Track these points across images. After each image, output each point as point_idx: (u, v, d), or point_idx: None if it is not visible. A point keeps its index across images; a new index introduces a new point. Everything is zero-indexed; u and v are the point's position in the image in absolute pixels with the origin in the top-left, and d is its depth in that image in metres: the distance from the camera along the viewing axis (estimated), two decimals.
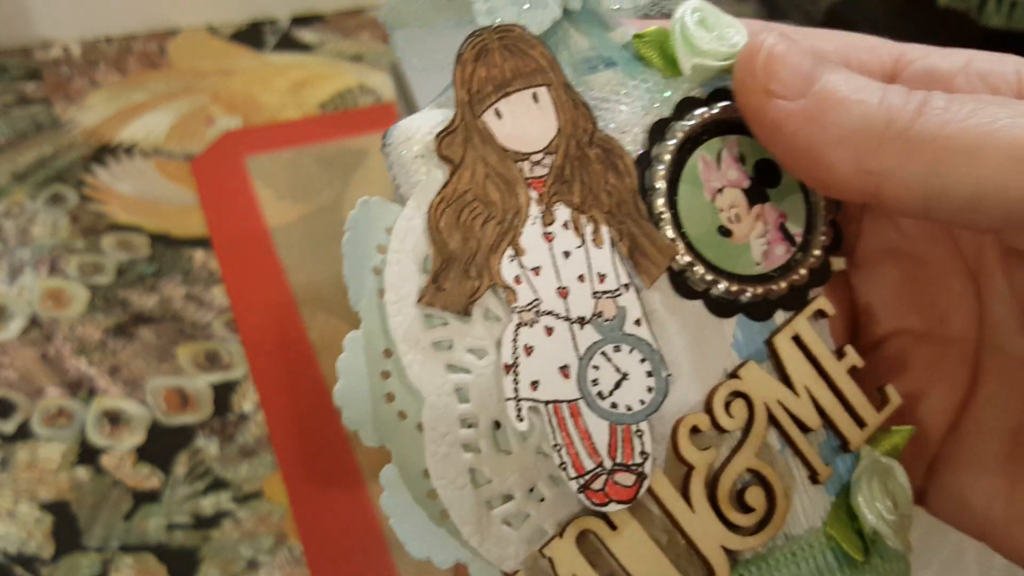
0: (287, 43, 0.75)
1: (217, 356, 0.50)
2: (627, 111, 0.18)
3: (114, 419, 0.47)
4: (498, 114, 0.17)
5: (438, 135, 0.17)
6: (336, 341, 0.48)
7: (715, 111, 0.18)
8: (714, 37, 0.17)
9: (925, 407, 0.20)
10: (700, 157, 0.18)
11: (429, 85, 0.20)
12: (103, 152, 0.63)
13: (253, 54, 0.73)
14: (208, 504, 0.43)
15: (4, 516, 0.43)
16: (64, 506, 0.43)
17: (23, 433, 0.46)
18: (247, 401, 0.48)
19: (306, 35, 0.75)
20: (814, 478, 0.18)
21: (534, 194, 0.17)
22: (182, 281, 0.54)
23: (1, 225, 0.57)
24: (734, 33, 0.18)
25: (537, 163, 0.17)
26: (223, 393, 0.48)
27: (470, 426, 0.17)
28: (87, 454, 0.45)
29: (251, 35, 0.75)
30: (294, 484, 0.44)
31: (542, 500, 0.17)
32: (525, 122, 0.17)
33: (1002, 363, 0.19)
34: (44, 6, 0.72)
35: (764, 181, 0.18)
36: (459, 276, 0.16)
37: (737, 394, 0.18)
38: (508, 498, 0.17)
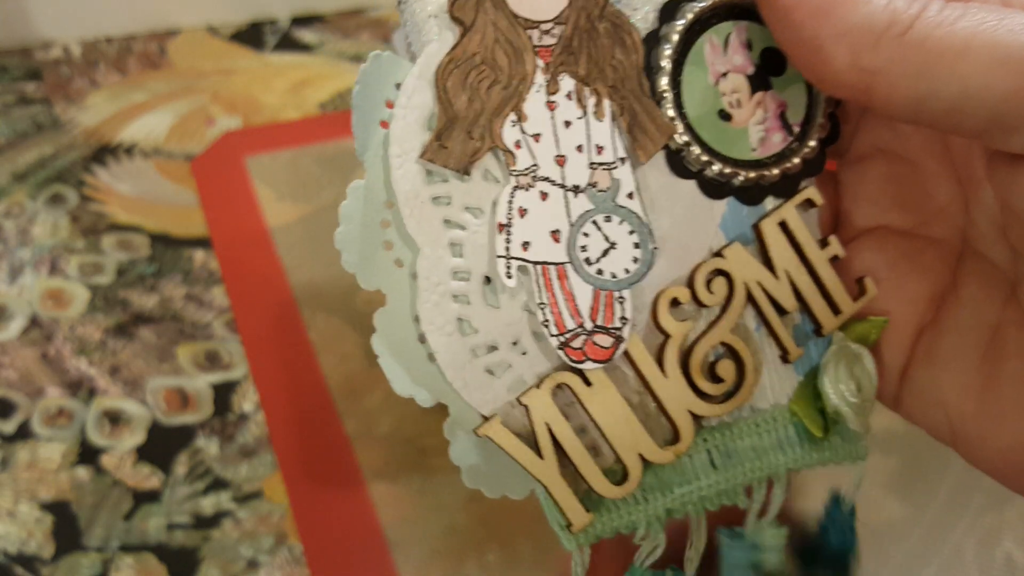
0: (287, 43, 0.75)
1: (217, 356, 0.50)
2: None
3: (114, 419, 0.47)
4: None
5: None
6: (336, 341, 0.48)
7: None
8: None
9: (901, 298, 0.20)
10: (708, 40, 0.18)
11: None
12: (103, 152, 0.63)
13: (253, 54, 0.73)
14: (208, 504, 0.43)
15: (4, 516, 0.43)
16: (64, 506, 0.43)
17: (23, 433, 0.46)
18: (247, 401, 0.48)
19: (306, 35, 0.75)
20: (785, 357, 0.19)
21: (541, 62, 0.17)
22: (182, 281, 0.54)
23: (1, 225, 0.57)
24: None
25: (546, 32, 0.17)
26: (223, 393, 0.48)
27: (462, 279, 0.17)
28: (87, 454, 0.45)
29: (251, 35, 0.75)
30: (294, 484, 0.44)
31: (524, 353, 0.18)
32: None
33: (982, 268, 0.20)
34: (44, 6, 0.72)
35: (769, 69, 0.18)
36: (462, 136, 0.17)
37: (719, 272, 0.18)
38: (492, 348, 0.18)
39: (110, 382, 0.48)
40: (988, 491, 0.45)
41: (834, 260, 0.19)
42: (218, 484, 0.44)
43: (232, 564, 0.41)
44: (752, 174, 0.19)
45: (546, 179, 0.17)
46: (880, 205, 0.21)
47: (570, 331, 0.18)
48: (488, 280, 0.18)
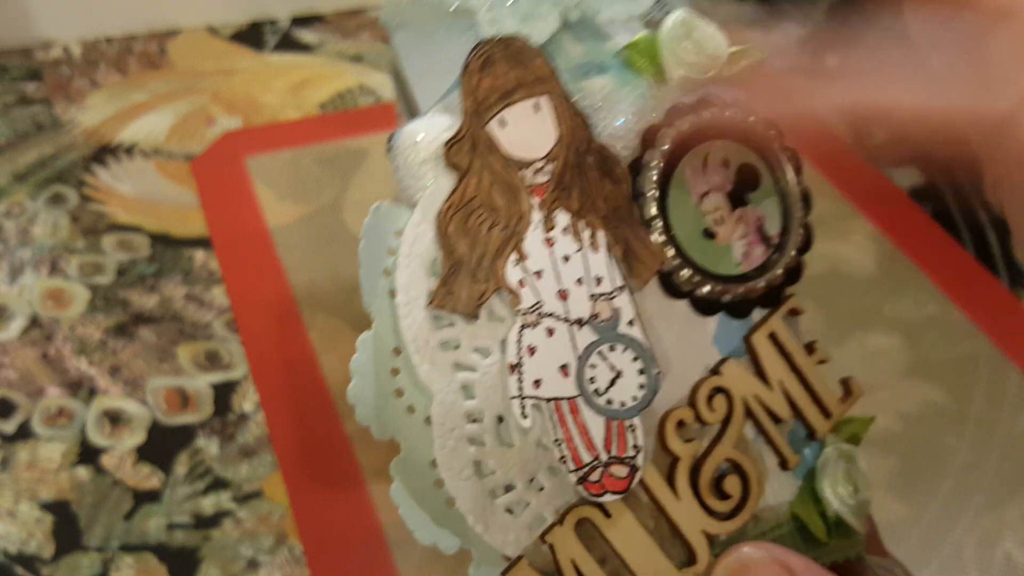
0: (287, 43, 0.75)
1: (217, 356, 0.50)
2: (620, 117, 0.19)
3: (114, 419, 0.47)
4: (502, 123, 0.18)
5: (446, 143, 0.17)
6: (337, 341, 0.48)
7: (702, 117, 0.19)
8: (698, 48, 0.18)
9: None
10: (688, 162, 0.19)
11: (429, 87, 0.20)
12: (103, 152, 0.63)
13: (253, 54, 0.73)
14: (208, 504, 0.43)
15: (4, 516, 0.43)
16: (64, 506, 0.43)
17: (23, 433, 0.46)
18: (247, 401, 0.48)
19: (306, 35, 0.75)
20: (784, 465, 0.20)
21: (536, 200, 0.18)
22: (182, 281, 0.54)
23: (1, 225, 0.57)
24: (717, 44, 0.19)
25: (539, 170, 0.18)
26: (223, 393, 0.48)
27: (475, 421, 0.18)
28: (87, 454, 0.45)
29: (251, 35, 0.75)
30: (294, 484, 0.44)
31: (541, 489, 0.18)
32: (527, 130, 0.18)
33: None
34: (44, 7, 0.72)
35: (745, 185, 0.19)
36: (467, 280, 0.17)
37: (718, 389, 0.19)
38: (510, 488, 0.18)
39: (110, 382, 0.49)
40: (988, 491, 0.45)
41: (821, 364, 0.20)
42: (218, 484, 0.44)
43: (232, 564, 0.41)
44: (740, 289, 0.19)
45: (551, 315, 0.18)
46: None
47: (587, 465, 0.18)
48: (501, 419, 0.18)
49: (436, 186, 0.18)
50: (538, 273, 0.18)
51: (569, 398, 0.18)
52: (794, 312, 0.20)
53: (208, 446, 0.46)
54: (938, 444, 0.47)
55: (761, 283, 0.20)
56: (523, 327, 0.18)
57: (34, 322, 0.51)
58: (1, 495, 0.43)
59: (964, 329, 0.53)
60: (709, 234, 0.19)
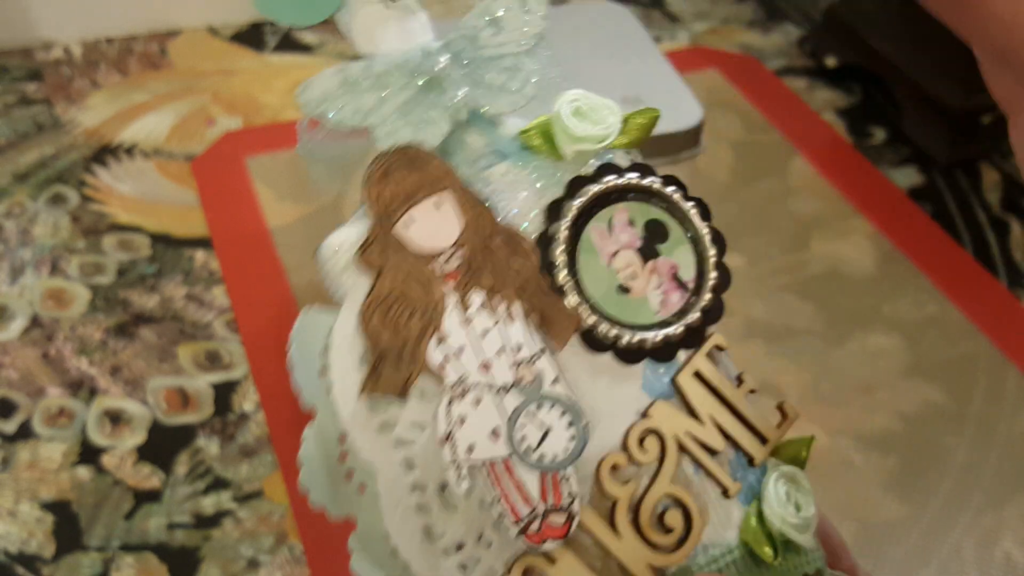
0: (287, 44, 0.75)
1: (218, 356, 0.50)
2: (524, 197, 0.20)
3: (115, 419, 0.47)
4: (408, 222, 0.19)
5: (359, 248, 0.19)
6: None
7: (602, 185, 0.20)
8: (590, 123, 0.20)
9: None
10: (593, 228, 0.20)
11: (352, 200, 0.22)
12: (104, 152, 0.63)
13: (254, 55, 0.73)
14: (209, 504, 0.43)
15: (5, 515, 0.43)
16: (65, 505, 0.43)
17: (24, 433, 0.46)
18: (248, 401, 0.48)
19: (306, 36, 0.75)
20: (726, 493, 0.21)
21: (451, 284, 0.19)
22: (183, 281, 0.54)
23: (2, 225, 0.57)
24: (608, 115, 0.20)
25: (449, 258, 0.19)
26: (224, 393, 0.48)
27: (420, 490, 0.19)
28: (88, 454, 0.45)
29: (251, 36, 0.75)
30: (295, 484, 0.44)
31: (490, 545, 0.19)
32: (433, 225, 0.19)
33: None
34: (45, 7, 0.72)
35: (654, 238, 0.21)
36: (393, 367, 0.19)
37: (649, 431, 0.20)
38: (460, 546, 0.19)
39: (111, 382, 0.49)
40: (987, 491, 0.45)
41: (751, 393, 0.21)
42: (218, 484, 0.44)
43: (232, 563, 0.41)
44: (659, 336, 0.20)
45: (476, 386, 0.19)
46: None
47: (525, 517, 0.19)
48: (443, 486, 0.19)
49: (356, 287, 0.19)
50: (459, 350, 0.19)
51: (503, 458, 0.19)
52: (718, 348, 0.22)
53: (208, 446, 0.46)
54: (938, 444, 0.47)
55: (680, 327, 0.21)
56: (451, 400, 0.19)
57: (35, 322, 0.51)
58: (2, 495, 0.43)
59: (963, 329, 0.53)
60: (624, 289, 0.21)
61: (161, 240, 0.57)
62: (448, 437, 0.19)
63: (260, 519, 0.43)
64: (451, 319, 0.19)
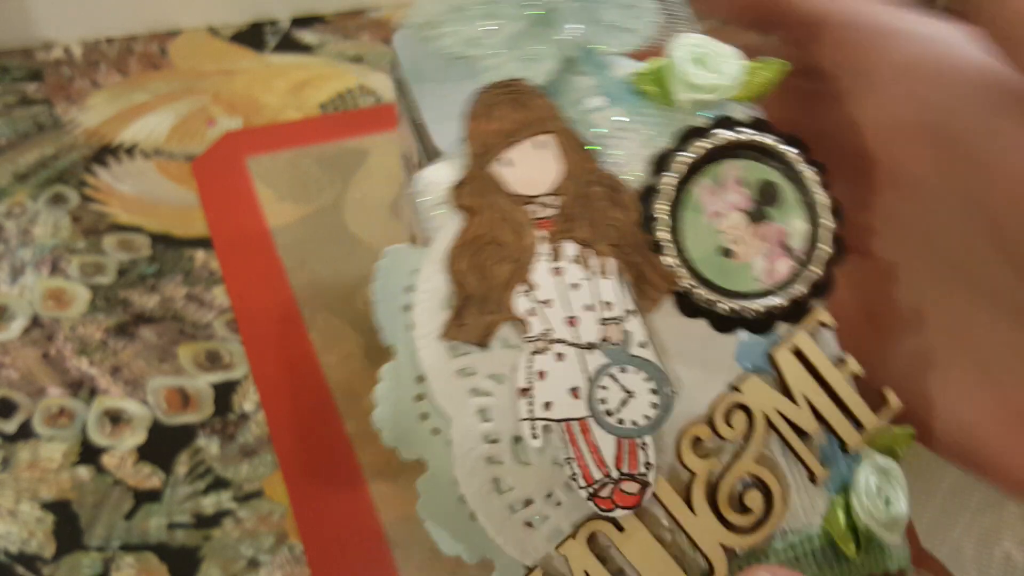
0: (288, 44, 0.75)
1: (218, 356, 0.50)
2: (630, 145, 0.19)
3: (115, 419, 0.47)
4: (507, 162, 0.18)
5: (453, 186, 0.18)
6: (337, 341, 0.48)
7: (716, 139, 0.19)
8: (709, 71, 0.19)
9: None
10: (701, 184, 0.19)
11: (445, 130, 0.21)
12: (104, 152, 0.63)
13: (254, 55, 0.74)
14: (209, 503, 0.43)
15: (5, 515, 0.43)
16: (65, 505, 0.43)
17: (24, 433, 0.46)
18: (248, 401, 0.48)
19: (306, 36, 0.75)
20: (813, 479, 0.20)
21: (544, 233, 0.19)
22: (183, 281, 0.54)
23: (2, 225, 0.57)
24: (731, 64, 0.19)
25: (545, 204, 0.19)
26: (224, 393, 0.48)
27: (493, 442, 0.19)
28: (88, 453, 0.45)
29: (252, 36, 0.75)
30: (295, 483, 0.44)
31: (559, 504, 0.19)
32: (532, 167, 0.18)
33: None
34: (45, 7, 0.72)
35: (766, 201, 0.19)
36: (477, 312, 0.18)
37: (738, 405, 0.19)
38: (529, 502, 0.19)
39: (111, 382, 0.49)
40: (986, 490, 0.45)
41: (854, 377, 0.20)
42: (219, 484, 0.44)
43: (233, 563, 0.41)
44: (760, 306, 0.19)
45: (561, 341, 0.19)
46: None
47: (597, 482, 0.19)
48: (518, 439, 0.19)
49: (447, 227, 0.19)
50: (547, 302, 0.19)
51: (580, 419, 0.19)
52: (822, 325, 0.20)
53: (209, 446, 0.46)
54: None
55: (783, 298, 0.19)
56: (533, 353, 0.19)
57: (35, 322, 0.51)
58: (2, 495, 0.43)
59: None
60: (726, 252, 0.19)
61: (161, 240, 0.57)
62: (526, 390, 0.19)
63: (260, 519, 0.43)
64: (541, 269, 0.19)
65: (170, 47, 0.74)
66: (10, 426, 0.46)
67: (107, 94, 0.69)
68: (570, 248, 0.19)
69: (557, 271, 0.19)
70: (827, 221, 0.20)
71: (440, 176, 0.19)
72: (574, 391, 0.19)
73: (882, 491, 0.20)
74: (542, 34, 0.19)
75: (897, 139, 0.20)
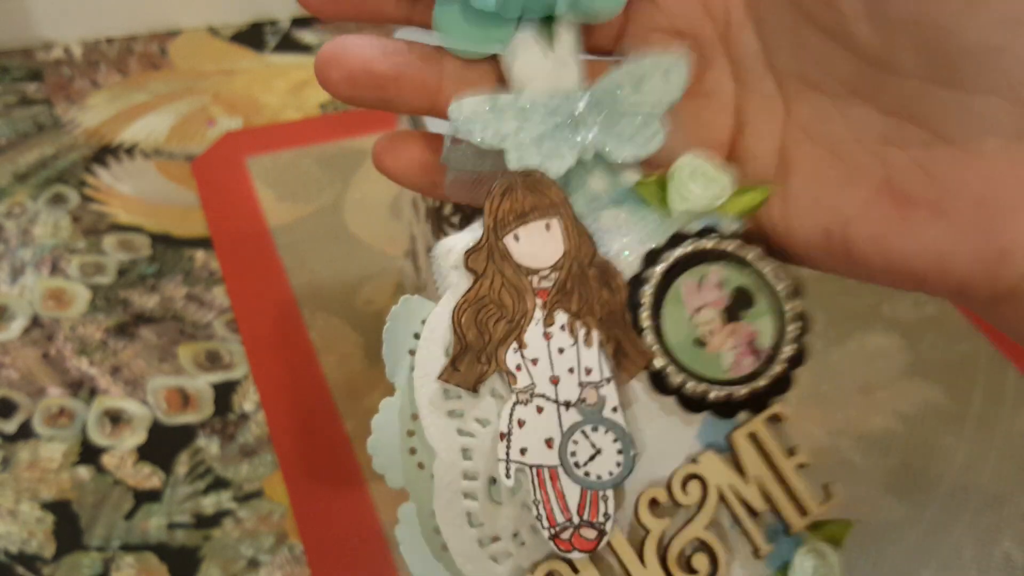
0: (287, 44, 0.75)
1: (218, 356, 0.50)
2: (627, 241, 0.22)
3: (115, 419, 0.47)
4: (516, 237, 0.21)
5: (467, 251, 0.21)
6: (336, 341, 0.48)
7: (702, 244, 0.22)
8: (702, 188, 0.22)
9: (699, 145, 0.23)
10: (684, 281, 0.22)
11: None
12: (104, 152, 0.63)
13: (254, 55, 0.74)
14: (209, 503, 0.43)
15: (5, 515, 0.43)
16: (65, 505, 0.43)
17: (24, 433, 0.46)
18: (248, 401, 0.48)
19: (306, 36, 0.75)
20: (756, 553, 0.22)
21: (540, 301, 0.21)
22: (183, 281, 0.54)
23: (3, 225, 0.57)
24: (721, 183, 0.22)
25: (544, 277, 0.21)
26: (224, 393, 0.48)
27: (471, 479, 0.21)
28: (88, 453, 0.45)
29: (252, 36, 0.75)
30: (294, 483, 0.44)
31: (523, 544, 0.21)
32: (538, 244, 0.21)
33: (757, 101, 0.23)
34: (45, 7, 0.72)
35: (740, 304, 0.22)
36: (472, 362, 0.21)
37: (694, 476, 0.22)
38: (496, 539, 0.21)
39: (111, 382, 0.49)
40: (986, 490, 0.45)
41: (801, 467, 0.22)
42: (219, 483, 0.44)
43: (233, 563, 0.41)
44: (723, 393, 0.22)
45: (542, 396, 0.21)
46: None
47: (560, 525, 0.21)
48: (493, 481, 0.21)
49: (457, 285, 0.21)
50: (534, 360, 0.21)
51: (550, 466, 0.21)
52: (777, 419, 0.22)
53: (209, 446, 0.46)
54: (937, 443, 0.47)
55: (745, 390, 0.22)
56: (516, 403, 0.21)
57: (35, 322, 0.52)
58: (2, 495, 0.43)
59: (963, 329, 0.53)
60: (700, 343, 0.22)
61: (161, 240, 0.57)
62: (506, 435, 0.21)
63: (260, 519, 0.43)
64: (534, 331, 0.21)
65: (170, 47, 0.74)
66: (10, 426, 0.46)
67: (107, 94, 0.69)
68: (561, 317, 0.21)
69: (547, 335, 0.21)
70: (792, 329, 0.22)
71: (458, 241, 0.21)
72: (548, 441, 0.21)
73: (818, 573, 0.22)
74: (565, 137, 0.22)
75: None
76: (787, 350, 0.22)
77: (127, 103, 0.68)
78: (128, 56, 0.73)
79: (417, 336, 0.21)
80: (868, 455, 0.46)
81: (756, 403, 0.22)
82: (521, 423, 0.21)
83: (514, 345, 0.21)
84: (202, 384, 0.49)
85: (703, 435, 0.22)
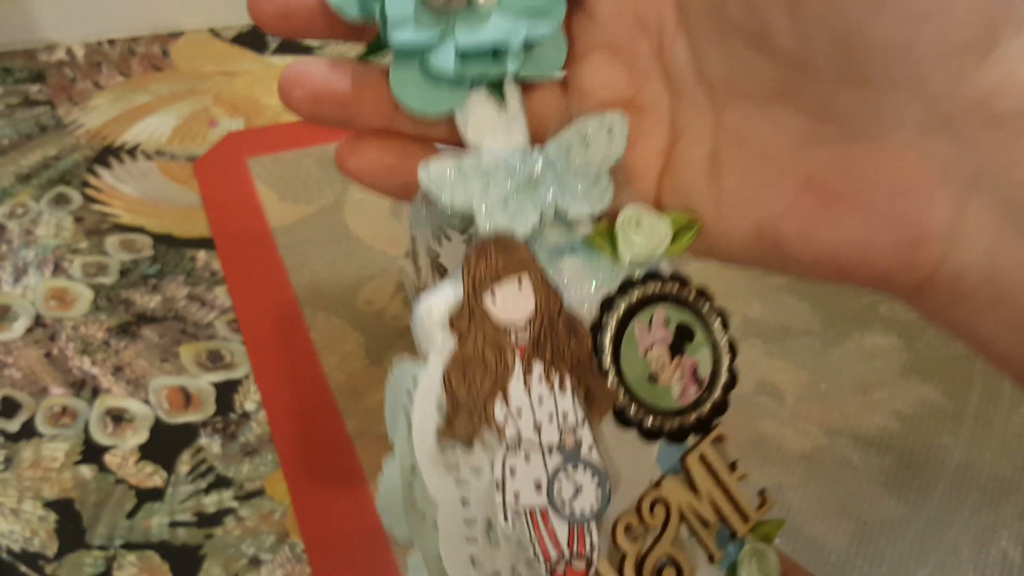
0: (288, 45, 0.75)
1: (219, 355, 0.50)
2: (586, 288, 0.24)
3: (117, 418, 0.47)
4: (493, 297, 0.23)
5: (451, 314, 0.23)
6: (337, 341, 0.49)
7: (647, 289, 0.25)
8: (645, 236, 0.24)
9: (640, 156, 0.25)
10: (637, 323, 0.24)
11: (449, 260, 0.28)
12: (106, 153, 0.64)
13: (255, 56, 0.74)
14: (210, 502, 0.44)
15: (8, 514, 0.43)
16: (68, 504, 0.43)
17: (27, 432, 0.46)
18: (249, 400, 0.48)
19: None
20: (711, 559, 0.25)
21: (518, 355, 0.23)
22: (185, 281, 0.55)
23: (5, 226, 0.58)
24: (661, 230, 0.24)
25: (520, 332, 0.23)
26: (225, 392, 0.48)
27: (471, 524, 0.23)
28: (91, 452, 0.45)
29: (253, 37, 0.76)
30: (296, 482, 0.44)
31: None
32: (512, 301, 0.23)
33: (690, 111, 0.25)
34: (48, 9, 0.72)
35: (683, 339, 0.25)
36: (465, 419, 0.23)
37: (659, 499, 0.25)
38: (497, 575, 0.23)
39: (113, 381, 0.49)
40: (984, 489, 0.45)
41: (741, 479, 0.26)
42: (220, 482, 0.44)
43: (234, 562, 0.42)
44: (675, 422, 0.25)
45: (528, 443, 0.23)
46: (602, 87, 0.25)
47: (554, 560, 0.23)
48: (490, 524, 0.23)
49: (443, 345, 0.23)
50: (518, 411, 0.23)
51: (541, 507, 0.23)
52: (720, 439, 0.26)
53: (210, 445, 0.46)
54: (935, 443, 0.47)
55: (693, 416, 0.25)
56: (506, 453, 0.23)
57: (38, 322, 0.52)
58: (5, 493, 0.44)
59: None
60: (653, 378, 0.25)
61: (163, 240, 0.57)
62: (500, 483, 0.23)
63: (261, 517, 0.43)
64: (515, 384, 0.23)
65: (172, 48, 0.74)
66: (13, 425, 0.46)
67: (109, 95, 0.69)
68: (538, 368, 0.23)
69: (527, 386, 0.23)
70: (727, 357, 0.25)
71: (439, 301, 0.23)
72: (537, 485, 0.23)
73: (762, 568, 0.25)
74: (526, 196, 0.24)
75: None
76: (723, 377, 0.25)
77: (129, 104, 0.68)
78: (130, 57, 0.73)
79: (410, 395, 0.23)
80: (866, 454, 0.47)
81: (702, 426, 0.25)
82: (512, 471, 0.23)
83: (500, 399, 0.23)
84: (204, 384, 0.49)
85: (661, 460, 0.25)
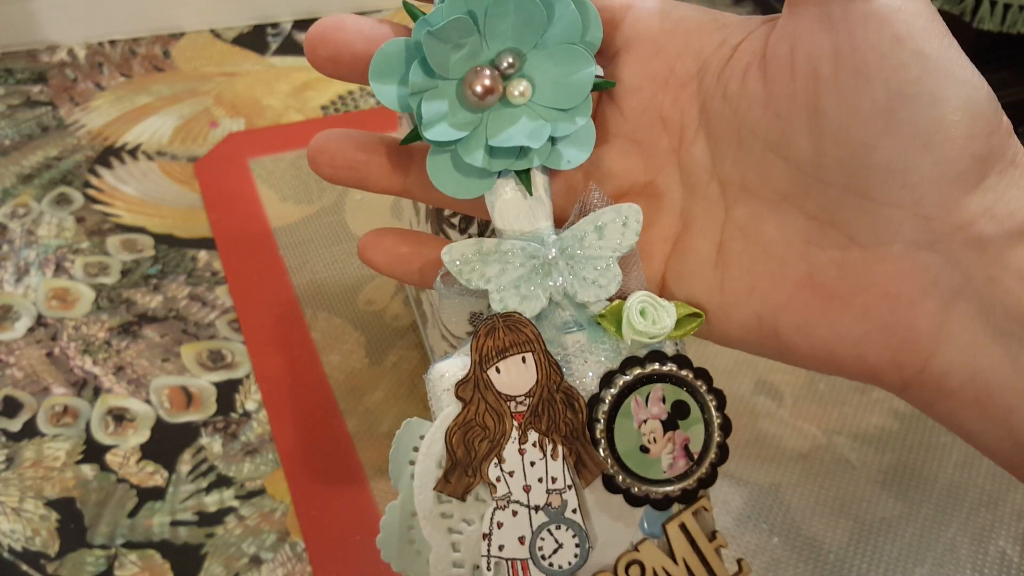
0: (289, 46, 0.75)
1: (221, 355, 0.51)
2: (588, 364, 0.26)
3: (119, 417, 0.47)
4: (498, 369, 0.26)
5: (457, 382, 0.25)
6: (338, 340, 0.49)
7: (648, 369, 0.26)
8: (649, 321, 0.26)
9: (649, 239, 0.27)
10: (633, 398, 0.26)
11: (459, 330, 0.31)
12: (108, 154, 0.64)
13: (256, 57, 0.74)
14: (212, 501, 0.44)
15: (10, 513, 0.43)
16: (69, 503, 0.43)
17: (29, 431, 0.46)
18: (250, 400, 0.48)
19: None
20: None
21: (515, 422, 0.26)
22: (186, 281, 0.55)
23: (7, 226, 0.58)
24: (665, 316, 0.26)
25: (520, 402, 0.26)
26: (227, 392, 0.49)
27: (459, 567, 0.26)
28: (92, 452, 0.46)
29: (254, 38, 0.76)
30: (296, 481, 0.45)
31: None
32: (514, 375, 0.26)
33: (702, 204, 0.27)
34: (49, 9, 0.72)
35: (677, 415, 0.27)
36: (461, 475, 0.25)
37: (635, 561, 0.27)
38: None
39: (115, 381, 0.49)
40: (982, 488, 0.46)
41: (719, 549, 0.27)
42: (221, 481, 0.45)
43: (235, 560, 0.42)
44: (661, 491, 0.26)
45: (516, 501, 0.25)
46: (621, 174, 0.27)
47: None
48: (477, 567, 0.26)
49: (449, 410, 0.25)
50: (511, 472, 0.25)
51: (522, 559, 0.26)
52: (704, 509, 0.27)
53: (211, 444, 0.46)
54: (933, 442, 0.47)
55: (678, 488, 0.27)
56: (496, 508, 0.25)
57: (39, 322, 0.52)
58: (7, 493, 0.44)
59: None
60: (644, 449, 0.26)
61: (164, 240, 0.57)
62: (487, 535, 0.25)
63: (262, 516, 0.43)
64: (511, 448, 0.25)
65: (173, 49, 0.75)
66: (15, 425, 0.47)
67: (110, 96, 0.69)
68: (533, 435, 0.25)
69: (521, 451, 0.25)
70: (718, 436, 0.27)
71: (449, 368, 0.26)
72: (521, 539, 0.25)
73: None
74: (538, 280, 0.26)
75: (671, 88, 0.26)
76: (713, 454, 0.27)
77: (130, 105, 0.69)
78: (131, 58, 0.73)
79: (416, 450, 0.26)
80: (864, 453, 0.47)
81: (687, 498, 0.27)
82: (500, 524, 0.25)
83: (495, 460, 0.25)
84: (205, 383, 0.49)
85: (643, 525, 0.27)
